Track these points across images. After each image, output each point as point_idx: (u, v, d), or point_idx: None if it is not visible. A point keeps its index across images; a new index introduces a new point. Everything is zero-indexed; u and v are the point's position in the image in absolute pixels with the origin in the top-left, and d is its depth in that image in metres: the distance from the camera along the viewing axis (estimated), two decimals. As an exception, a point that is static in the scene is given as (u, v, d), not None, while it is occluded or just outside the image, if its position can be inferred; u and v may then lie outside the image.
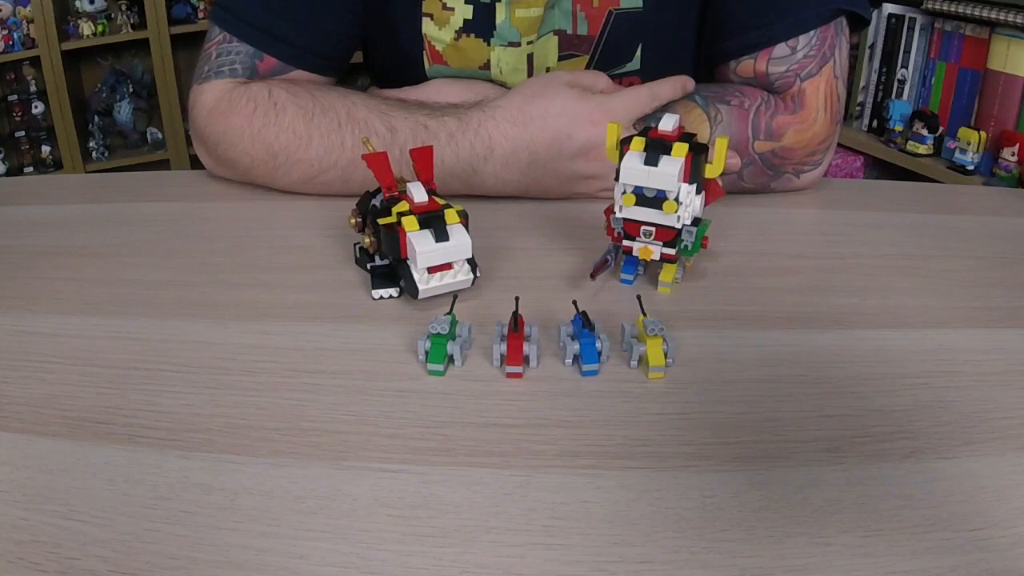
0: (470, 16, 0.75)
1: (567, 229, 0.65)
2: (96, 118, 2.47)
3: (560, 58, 0.77)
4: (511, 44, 0.76)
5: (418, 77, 0.78)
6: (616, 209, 0.54)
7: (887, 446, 0.41)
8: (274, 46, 0.73)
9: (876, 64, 2.00)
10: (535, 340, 0.47)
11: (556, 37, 0.76)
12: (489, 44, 0.76)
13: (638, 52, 0.77)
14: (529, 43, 0.76)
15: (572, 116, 0.66)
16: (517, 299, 0.49)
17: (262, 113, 0.69)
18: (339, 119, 0.68)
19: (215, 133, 0.72)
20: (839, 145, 2.02)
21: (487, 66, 0.77)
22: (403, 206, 0.53)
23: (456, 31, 0.76)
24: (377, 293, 0.55)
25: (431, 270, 0.52)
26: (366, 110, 0.68)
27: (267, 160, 0.70)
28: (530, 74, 0.78)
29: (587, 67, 0.78)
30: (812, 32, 0.70)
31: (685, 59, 0.80)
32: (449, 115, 0.68)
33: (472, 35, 0.76)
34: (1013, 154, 1.67)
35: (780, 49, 0.70)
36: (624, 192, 0.53)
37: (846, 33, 0.72)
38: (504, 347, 0.46)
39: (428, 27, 0.77)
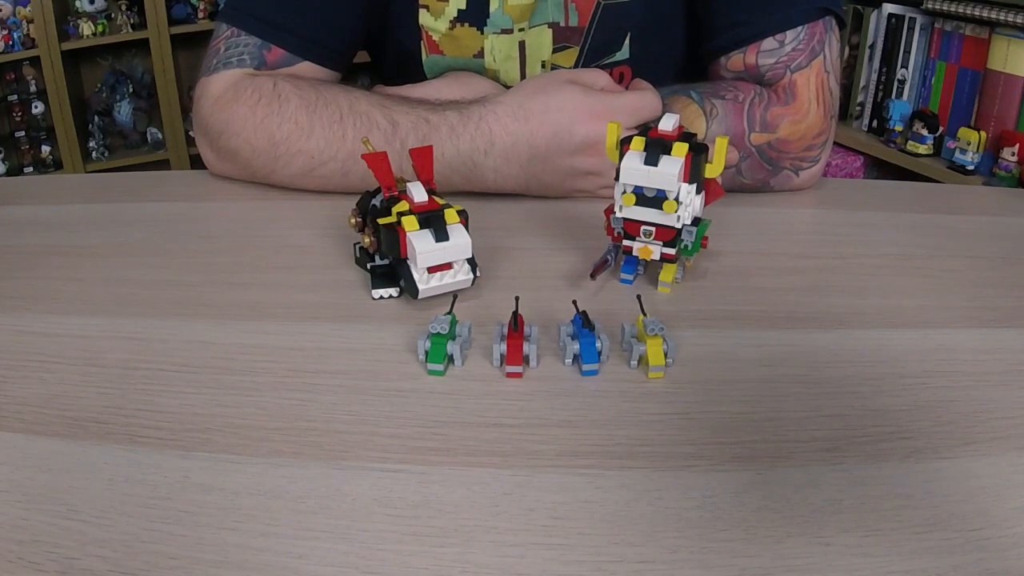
0: (464, 6, 0.77)
1: (567, 229, 0.65)
2: (96, 118, 2.47)
3: (554, 50, 0.78)
4: (504, 31, 0.77)
5: (417, 68, 0.79)
6: (616, 209, 0.54)
7: (887, 446, 0.41)
8: (282, 37, 0.74)
9: (876, 64, 2.00)
10: (535, 340, 0.47)
11: (550, 30, 0.77)
12: (483, 32, 0.77)
13: (626, 42, 0.78)
14: (521, 30, 0.77)
15: (573, 111, 0.66)
16: (517, 299, 0.48)
17: (266, 103, 0.70)
18: (341, 111, 0.69)
19: (219, 122, 0.72)
20: (839, 145, 2.04)
21: (481, 54, 0.78)
22: (403, 206, 0.53)
23: (451, 20, 0.77)
24: (377, 293, 0.55)
25: (431, 270, 0.52)
26: (368, 104, 0.69)
27: (268, 150, 0.70)
28: (523, 62, 0.79)
29: (578, 58, 0.79)
30: (800, 28, 0.71)
31: (675, 52, 0.82)
32: (451, 109, 0.68)
33: (466, 24, 0.77)
34: (1013, 154, 1.67)
35: (768, 43, 0.72)
36: (624, 192, 0.53)
37: (836, 32, 0.73)
38: (504, 347, 0.46)
39: (424, 18, 0.78)
